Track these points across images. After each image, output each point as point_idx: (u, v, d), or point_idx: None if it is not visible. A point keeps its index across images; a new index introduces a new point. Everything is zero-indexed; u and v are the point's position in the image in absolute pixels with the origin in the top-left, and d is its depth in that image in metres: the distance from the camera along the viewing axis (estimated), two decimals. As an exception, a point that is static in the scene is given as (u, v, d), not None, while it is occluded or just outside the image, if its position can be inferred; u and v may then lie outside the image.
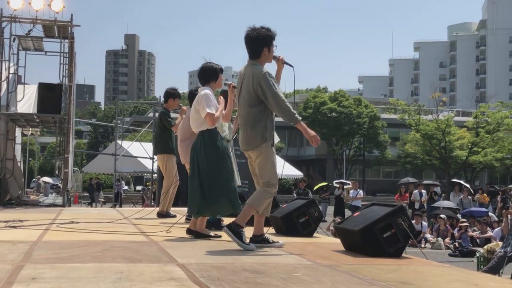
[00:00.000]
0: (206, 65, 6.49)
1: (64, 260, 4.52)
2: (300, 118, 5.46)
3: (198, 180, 6.12)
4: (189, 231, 6.60)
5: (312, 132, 5.47)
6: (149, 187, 30.42)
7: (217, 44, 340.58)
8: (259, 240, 5.66)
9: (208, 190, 6.06)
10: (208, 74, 6.45)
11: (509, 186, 28.46)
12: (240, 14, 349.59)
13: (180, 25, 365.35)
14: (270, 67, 5.80)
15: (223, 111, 6.33)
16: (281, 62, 5.97)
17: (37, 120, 15.89)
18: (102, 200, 34.04)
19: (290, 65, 6.00)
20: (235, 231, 5.47)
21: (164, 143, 9.64)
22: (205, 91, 6.25)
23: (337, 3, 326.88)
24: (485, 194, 23.84)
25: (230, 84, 6.60)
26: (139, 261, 4.55)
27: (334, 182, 28.52)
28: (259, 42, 5.68)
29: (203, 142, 6.18)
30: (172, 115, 10.11)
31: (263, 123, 5.59)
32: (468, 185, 23.95)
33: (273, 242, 5.73)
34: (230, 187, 6.12)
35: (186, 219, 8.39)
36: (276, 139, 5.75)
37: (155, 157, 12.08)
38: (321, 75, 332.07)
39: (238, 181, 8.29)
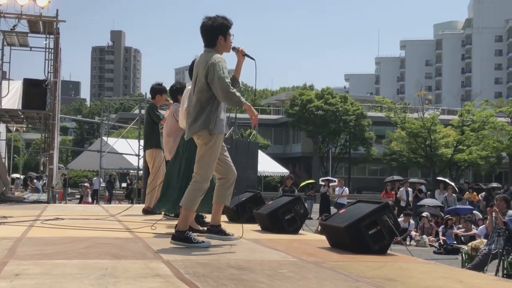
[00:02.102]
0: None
1: (48, 257, 4.50)
2: (244, 100, 5.30)
3: (178, 175, 6.17)
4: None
5: (256, 112, 5.38)
6: (85, 184, 30.38)
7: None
8: (181, 237, 5.39)
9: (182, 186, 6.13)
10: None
11: (492, 184, 28.54)
12: (227, 11, 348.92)
13: (167, 22, 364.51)
14: (231, 59, 5.72)
15: None
16: (241, 54, 5.79)
17: (22, 116, 15.82)
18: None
19: (251, 58, 5.81)
20: (180, 238, 5.32)
21: (155, 138, 9.60)
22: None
23: (324, 1, 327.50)
24: (474, 193, 24.02)
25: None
26: (124, 258, 4.53)
27: (320, 180, 28.55)
28: (214, 30, 5.51)
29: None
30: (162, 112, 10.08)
31: (209, 111, 5.38)
32: (452, 183, 24.06)
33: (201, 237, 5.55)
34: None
35: (164, 214, 8.39)
36: (219, 131, 5.50)
37: (141, 154, 12.05)
38: (308, 73, 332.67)
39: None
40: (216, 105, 5.40)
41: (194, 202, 5.38)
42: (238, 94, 5.29)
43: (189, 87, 6.26)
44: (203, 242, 5.40)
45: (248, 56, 5.84)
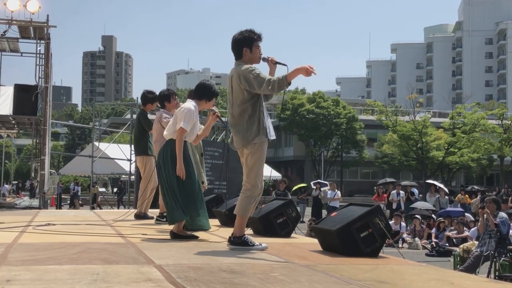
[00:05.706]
0: (208, 82, 6.50)
1: (39, 262, 4.48)
2: (285, 75, 5.41)
3: (165, 186, 6.20)
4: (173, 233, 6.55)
5: (301, 67, 5.45)
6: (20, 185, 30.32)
7: (196, 46, 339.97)
8: (239, 242, 5.64)
9: (171, 198, 6.15)
10: (207, 91, 6.40)
11: (475, 187, 28.67)
12: (217, 16, 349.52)
13: (158, 27, 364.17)
14: (264, 70, 5.78)
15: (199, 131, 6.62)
16: (272, 63, 5.89)
17: (13, 122, 15.76)
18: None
19: (283, 64, 5.85)
20: (238, 242, 5.58)
21: (144, 144, 9.60)
22: (190, 106, 6.22)
23: (315, 5, 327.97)
24: (467, 195, 24.08)
25: (216, 112, 6.57)
26: (115, 263, 4.52)
27: (312, 183, 28.54)
28: (239, 42, 5.75)
29: (170, 150, 6.20)
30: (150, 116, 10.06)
31: (254, 119, 5.60)
32: (442, 185, 24.13)
33: (253, 244, 5.67)
34: (191, 200, 6.16)
35: (156, 219, 8.42)
36: (272, 136, 5.70)
37: (133, 159, 12.00)
38: (299, 77, 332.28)
39: (204, 180, 8.41)
40: (261, 113, 5.64)
41: (247, 209, 5.63)
42: (277, 77, 5.45)
43: (186, 105, 6.26)
44: (260, 244, 5.67)
45: (280, 63, 5.91)
